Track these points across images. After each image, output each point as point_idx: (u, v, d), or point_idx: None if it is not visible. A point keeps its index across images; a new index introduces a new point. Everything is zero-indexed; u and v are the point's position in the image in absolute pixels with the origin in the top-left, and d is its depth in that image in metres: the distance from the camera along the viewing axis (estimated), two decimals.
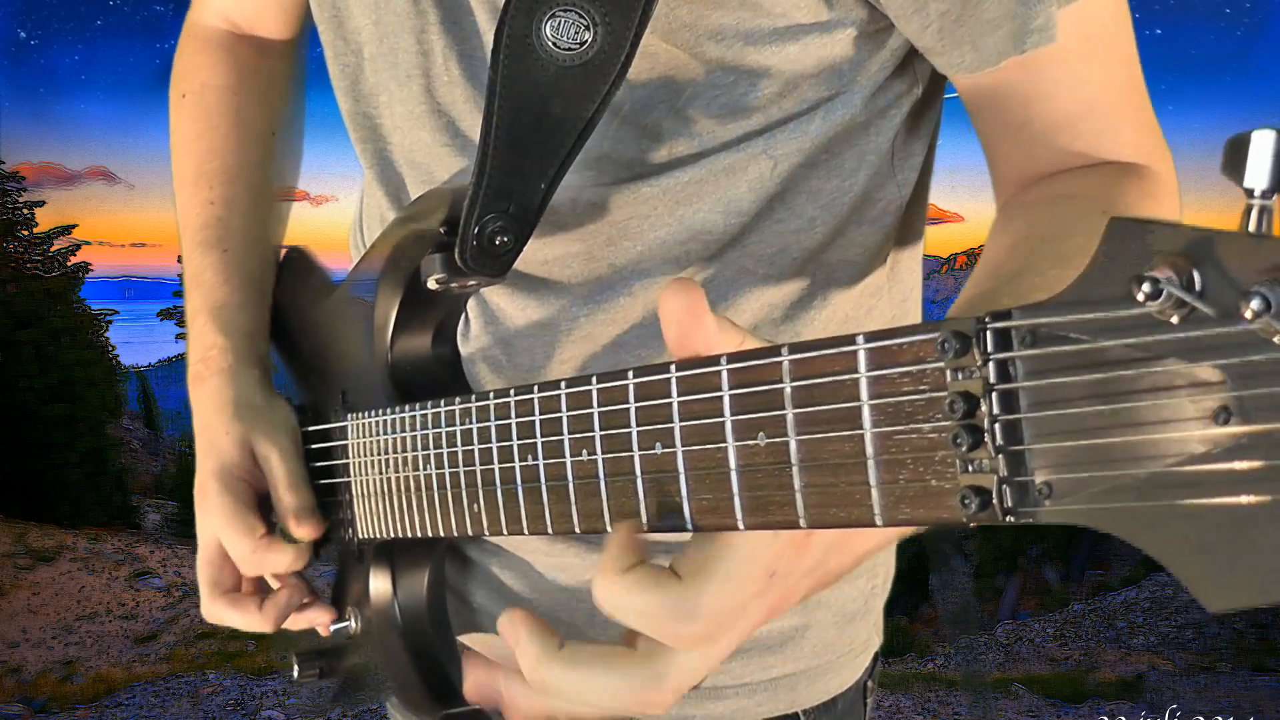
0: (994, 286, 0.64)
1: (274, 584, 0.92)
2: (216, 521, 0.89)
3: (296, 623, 0.92)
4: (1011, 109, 0.76)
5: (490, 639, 1.00)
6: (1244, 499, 0.30)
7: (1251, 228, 0.31)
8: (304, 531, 0.88)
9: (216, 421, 0.92)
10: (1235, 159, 0.32)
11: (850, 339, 0.43)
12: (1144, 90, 0.78)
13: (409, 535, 0.78)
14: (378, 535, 0.83)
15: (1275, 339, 0.29)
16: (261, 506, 0.90)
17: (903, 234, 0.91)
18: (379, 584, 0.87)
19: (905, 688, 9.03)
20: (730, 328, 0.53)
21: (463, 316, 0.90)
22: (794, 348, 0.46)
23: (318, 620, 0.92)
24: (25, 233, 19.85)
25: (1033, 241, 0.70)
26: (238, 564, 0.90)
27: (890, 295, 0.92)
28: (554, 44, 0.71)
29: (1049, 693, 9.09)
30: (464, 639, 1.00)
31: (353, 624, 0.91)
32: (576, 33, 0.70)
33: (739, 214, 0.82)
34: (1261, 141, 0.31)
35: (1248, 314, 0.28)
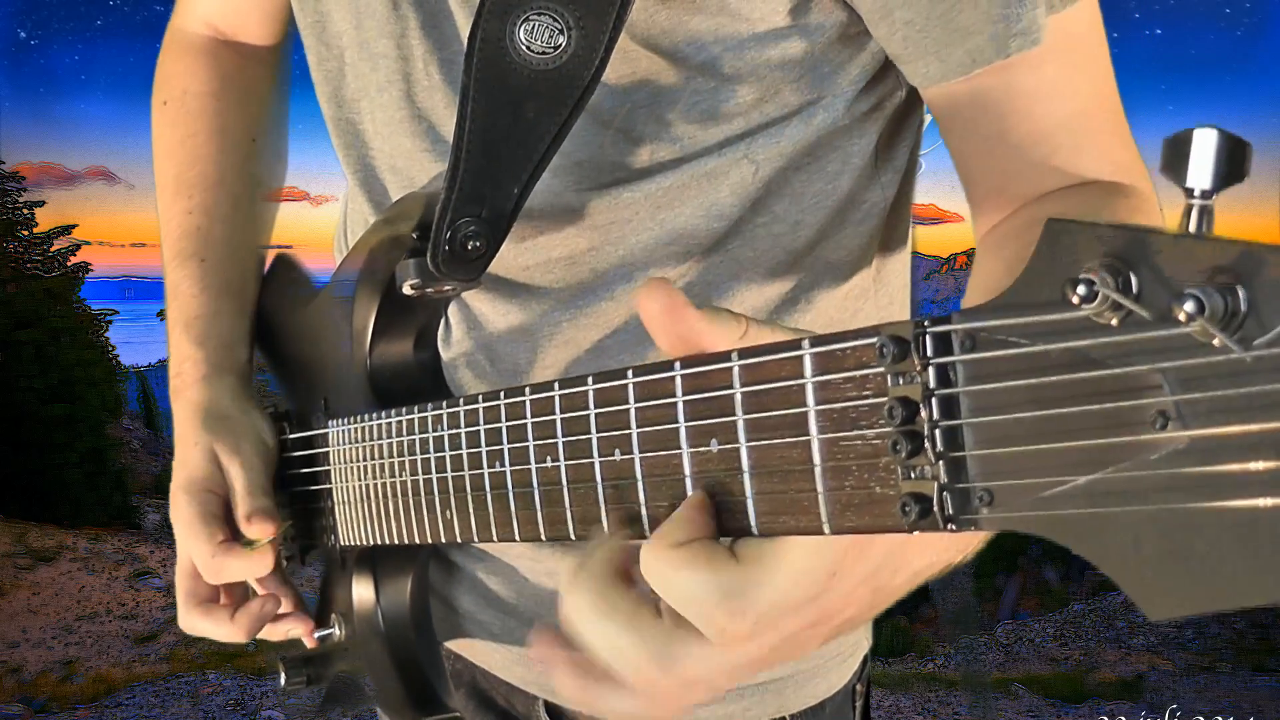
0: None
1: (258, 590, 0.92)
2: (180, 531, 0.90)
3: (273, 633, 0.92)
4: (986, 122, 0.74)
5: (476, 645, 1.00)
6: (1183, 506, 0.29)
7: (1191, 228, 0.30)
8: (255, 531, 0.88)
9: (187, 433, 0.92)
10: (1176, 158, 0.31)
11: (796, 344, 0.42)
12: (1120, 106, 0.76)
13: (388, 542, 0.78)
14: (359, 542, 0.83)
15: (1213, 342, 0.28)
16: (229, 516, 0.90)
17: (888, 236, 0.90)
18: (362, 591, 0.87)
19: (905, 688, 9.03)
20: (725, 319, 0.49)
21: (444, 321, 0.90)
22: (744, 353, 0.45)
23: (294, 630, 0.92)
24: (25, 233, 19.84)
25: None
26: (200, 572, 0.90)
27: (876, 298, 0.91)
28: (528, 48, 0.70)
29: (1049, 693, 9.08)
30: (450, 644, 1.00)
31: (337, 631, 0.91)
32: (550, 37, 0.70)
33: (721, 218, 0.81)
34: (1203, 140, 0.31)
35: (1181, 317, 0.27)
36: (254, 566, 0.88)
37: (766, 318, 0.85)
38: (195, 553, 0.88)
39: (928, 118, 0.89)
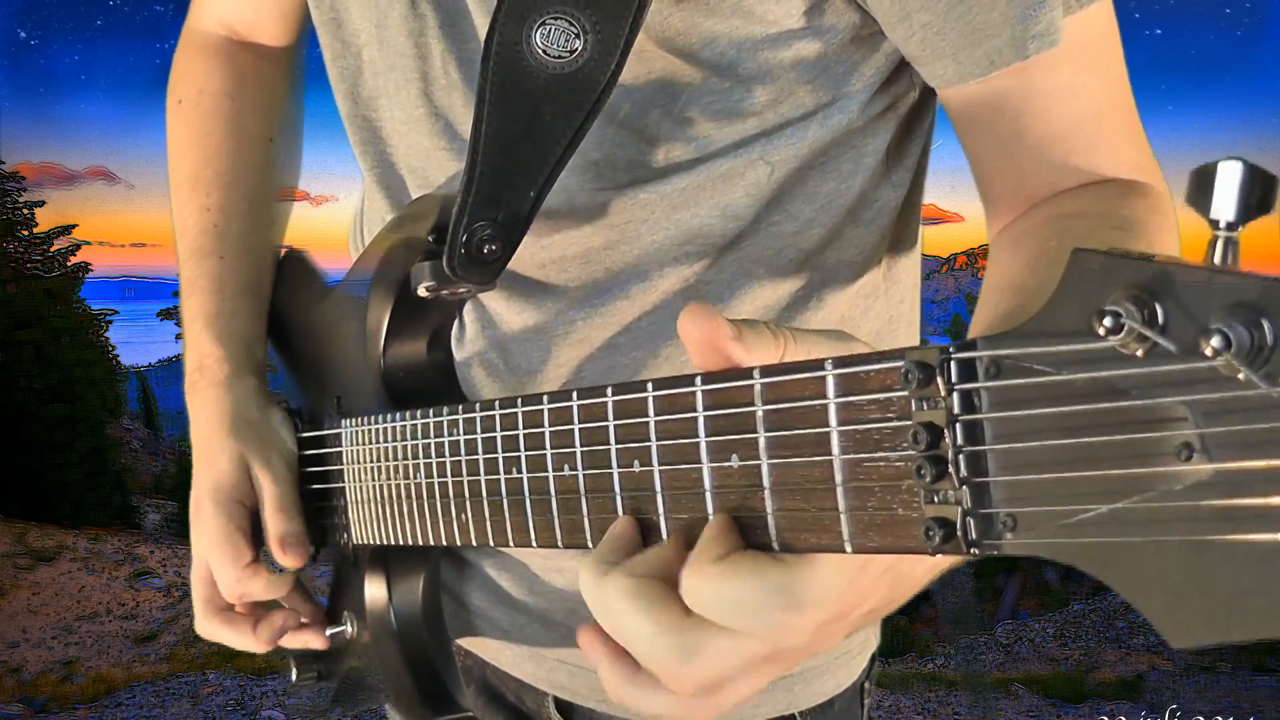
0: (1020, 302, 0.62)
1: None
2: (207, 544, 0.90)
3: (291, 642, 0.93)
4: (1003, 122, 0.74)
5: (486, 642, 1.00)
6: (1207, 538, 0.30)
7: (1217, 260, 0.31)
8: (289, 560, 0.89)
9: (213, 437, 0.92)
10: (1201, 190, 0.31)
11: (820, 364, 0.43)
12: (1134, 106, 0.77)
13: (401, 542, 0.78)
14: (372, 541, 0.83)
15: (1238, 376, 0.28)
16: (255, 528, 0.91)
17: (898, 235, 0.90)
18: (374, 589, 0.88)
19: (905, 688, 9.04)
20: (764, 341, 0.48)
21: (458, 321, 0.90)
22: (765, 370, 0.45)
23: (312, 642, 0.93)
24: (25, 233, 19.87)
25: (1049, 257, 0.67)
26: (221, 589, 0.90)
27: (887, 296, 0.92)
28: (544, 51, 0.70)
29: (1049, 693, 9.09)
30: (460, 641, 1.00)
31: (349, 629, 0.91)
32: (567, 41, 0.70)
33: (736, 218, 0.81)
34: (1228, 173, 0.31)
35: (1208, 351, 0.28)
36: (277, 589, 0.90)
37: (778, 316, 0.85)
38: (219, 571, 0.89)
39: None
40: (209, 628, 0.92)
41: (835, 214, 0.84)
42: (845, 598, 0.48)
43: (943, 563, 0.55)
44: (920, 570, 0.55)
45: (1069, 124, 0.73)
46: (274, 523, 0.89)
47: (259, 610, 0.93)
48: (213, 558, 0.89)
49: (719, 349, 0.48)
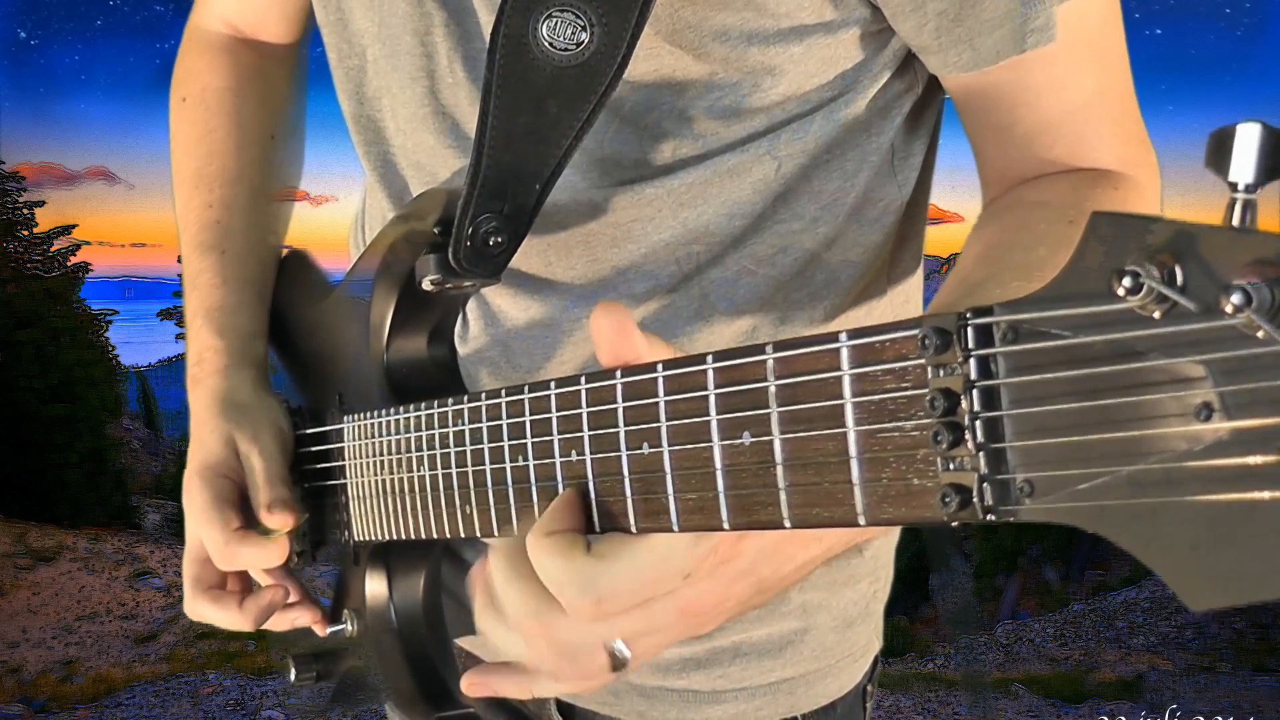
0: (960, 296, 0.65)
1: (262, 581, 0.92)
2: (193, 515, 0.88)
3: (280, 622, 0.91)
4: (998, 111, 0.76)
5: (486, 642, 1.00)
6: (1226, 497, 0.30)
7: (1235, 222, 0.31)
8: (276, 521, 0.87)
9: (205, 420, 0.92)
10: (1220, 152, 0.31)
11: (834, 336, 0.43)
12: (1132, 98, 0.78)
13: (404, 537, 0.78)
14: (374, 537, 0.83)
15: (1257, 334, 0.28)
16: (244, 504, 0.90)
17: (903, 234, 0.91)
18: (375, 586, 0.87)
19: (905, 688, 9.03)
20: (659, 345, 0.55)
21: (462, 317, 0.90)
22: (778, 345, 0.45)
23: (301, 620, 0.91)
24: (25, 233, 19.89)
25: (999, 250, 0.70)
26: (212, 558, 0.89)
27: (891, 296, 0.92)
28: (550, 44, 0.70)
29: (1049, 693, 9.09)
30: (460, 641, 1.00)
31: (349, 626, 0.90)
32: (573, 33, 0.70)
33: (742, 215, 0.81)
34: (1246, 134, 0.31)
35: (1228, 309, 0.28)
36: (268, 555, 0.87)
37: (781, 315, 0.86)
38: (208, 538, 0.88)
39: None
40: (196, 607, 0.90)
41: (840, 212, 0.84)
42: (674, 601, 0.54)
43: (817, 560, 0.61)
44: (788, 569, 0.59)
45: (1058, 115, 0.75)
46: (261, 492, 0.88)
47: (248, 591, 0.91)
48: (200, 528, 0.88)
49: (626, 340, 0.54)
